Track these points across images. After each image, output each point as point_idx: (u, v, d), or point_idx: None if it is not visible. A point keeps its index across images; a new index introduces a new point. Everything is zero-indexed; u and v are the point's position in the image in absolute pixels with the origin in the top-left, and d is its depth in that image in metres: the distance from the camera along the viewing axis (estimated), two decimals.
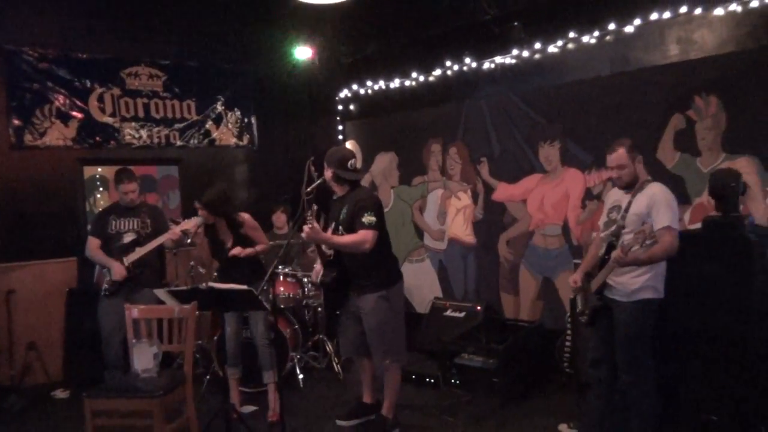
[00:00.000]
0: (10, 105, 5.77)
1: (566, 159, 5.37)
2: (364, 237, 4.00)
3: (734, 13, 4.39)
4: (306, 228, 3.91)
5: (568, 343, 4.93)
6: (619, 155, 3.72)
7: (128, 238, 4.98)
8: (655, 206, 3.58)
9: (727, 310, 3.80)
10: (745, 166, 4.35)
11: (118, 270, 4.83)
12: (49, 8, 5.93)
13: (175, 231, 4.82)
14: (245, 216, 4.76)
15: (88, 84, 6.20)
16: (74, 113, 6.11)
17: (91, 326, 5.13)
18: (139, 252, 4.89)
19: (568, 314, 4.91)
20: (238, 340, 4.80)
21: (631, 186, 3.75)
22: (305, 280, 5.69)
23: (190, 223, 4.78)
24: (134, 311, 4.06)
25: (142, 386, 3.73)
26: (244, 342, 4.85)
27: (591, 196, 5.22)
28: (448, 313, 5.99)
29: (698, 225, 4.23)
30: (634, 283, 3.66)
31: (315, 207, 3.95)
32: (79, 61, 6.15)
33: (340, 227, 4.15)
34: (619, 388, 3.81)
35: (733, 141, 4.45)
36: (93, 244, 5.00)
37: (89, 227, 5.38)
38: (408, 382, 5.31)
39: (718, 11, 4.44)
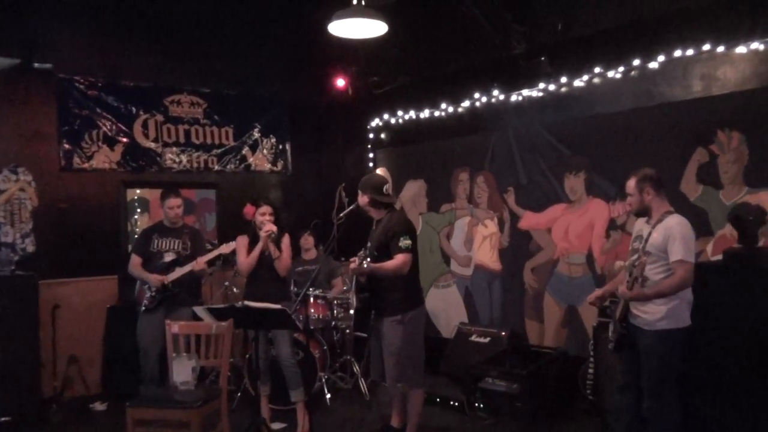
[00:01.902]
0: (61, 130, 6.12)
1: (591, 190, 5.50)
2: (403, 261, 4.13)
3: (756, 51, 4.52)
4: (352, 265, 4.06)
5: (591, 371, 5.00)
6: (627, 184, 3.95)
7: (168, 257, 5.23)
8: (670, 239, 3.69)
9: (748, 341, 3.88)
10: (767, 199, 4.44)
11: (155, 279, 5.11)
12: (100, 40, 6.29)
13: (199, 262, 5.12)
14: (287, 235, 5.05)
15: (134, 110, 6.54)
16: (120, 138, 6.44)
17: (129, 342, 5.36)
18: (178, 272, 5.14)
19: (592, 341, 5.01)
20: (267, 358, 4.97)
21: (641, 214, 3.93)
22: (335, 302, 5.87)
23: (228, 248, 5.07)
24: (174, 327, 4.27)
25: (180, 398, 3.93)
26: (273, 360, 5.01)
27: (615, 226, 5.33)
28: (473, 338, 6.09)
29: (720, 257, 4.33)
30: (657, 312, 3.74)
31: (369, 244, 4.12)
32: (126, 89, 6.50)
33: (375, 251, 4.28)
34: (642, 415, 3.88)
35: (755, 175, 4.55)
36: (135, 262, 5.27)
37: (132, 245, 5.62)
38: (433, 405, 5.43)
39: (741, 49, 4.58)
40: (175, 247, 5.26)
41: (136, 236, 6.05)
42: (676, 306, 3.72)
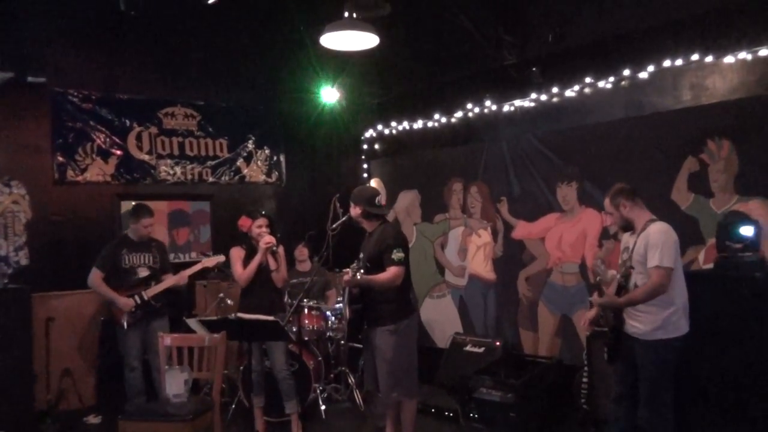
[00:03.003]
0: (55, 143, 6.14)
1: (583, 199, 5.53)
2: (396, 273, 4.14)
3: (744, 60, 4.56)
4: (346, 277, 4.06)
5: (585, 380, 5.01)
6: (605, 204, 4.03)
7: (143, 272, 5.24)
8: (648, 246, 3.74)
9: (740, 350, 3.89)
10: (757, 208, 4.46)
11: (125, 303, 5.07)
12: (94, 53, 6.33)
13: (183, 275, 5.18)
14: (281, 247, 5.07)
15: (128, 123, 6.56)
16: (114, 150, 6.46)
17: (122, 356, 5.35)
18: (157, 288, 5.18)
19: (586, 351, 5.02)
20: (261, 370, 4.97)
21: (626, 228, 3.98)
22: (328, 313, 5.87)
23: (212, 261, 5.10)
24: (167, 339, 4.27)
25: (172, 410, 3.93)
26: (267, 372, 5.01)
27: (607, 235, 5.35)
28: (468, 348, 6.10)
29: (711, 265, 4.35)
30: (653, 322, 3.75)
31: (361, 255, 4.15)
32: (120, 102, 6.52)
33: (368, 262, 4.31)
34: (636, 424, 3.88)
35: (745, 183, 4.57)
36: (98, 276, 5.15)
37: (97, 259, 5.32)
38: (428, 416, 5.43)
39: (729, 59, 4.61)
40: (147, 262, 5.27)
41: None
42: (672, 314, 3.73)
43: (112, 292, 5.12)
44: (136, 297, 5.11)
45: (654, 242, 3.72)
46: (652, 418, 3.78)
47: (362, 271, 4.02)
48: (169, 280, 5.14)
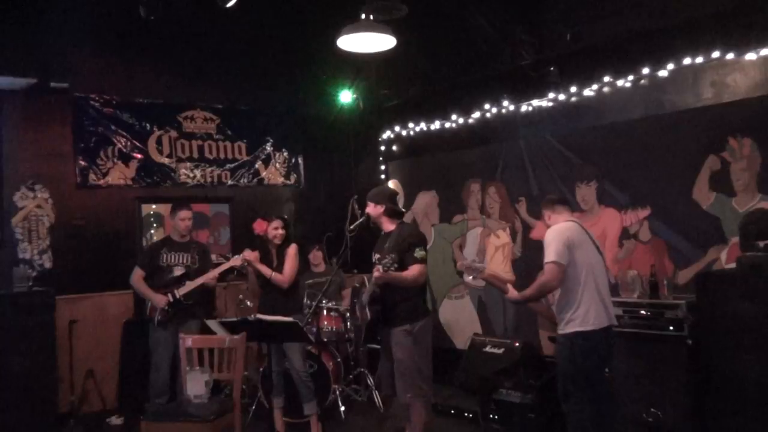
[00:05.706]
0: (77, 147, 6.23)
1: (603, 199, 5.48)
2: (420, 271, 4.14)
3: (766, 57, 4.50)
4: (377, 273, 4.02)
5: None
6: None
7: (178, 271, 5.28)
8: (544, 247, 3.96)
9: (764, 350, 3.83)
10: None
11: (159, 300, 5.14)
12: (115, 59, 6.41)
13: (214, 274, 5.22)
14: (294, 245, 5.09)
15: (148, 127, 6.64)
16: (134, 154, 6.54)
17: (145, 356, 5.41)
18: (189, 286, 5.20)
19: None
20: (281, 371, 4.99)
21: None
22: (348, 314, 5.88)
23: (238, 260, 5.13)
24: (188, 341, 4.30)
25: (194, 411, 3.96)
26: (287, 373, 5.03)
27: (627, 235, 5.30)
28: (487, 349, 6.04)
29: (734, 265, 4.29)
30: (564, 318, 3.92)
31: (377, 256, 4.16)
32: (140, 106, 6.60)
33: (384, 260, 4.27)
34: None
35: None
36: (138, 275, 5.28)
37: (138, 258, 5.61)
38: (447, 417, 5.44)
39: (750, 56, 4.56)
40: (185, 261, 5.32)
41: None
42: (574, 311, 3.86)
43: (148, 289, 5.21)
44: (169, 295, 5.17)
45: (545, 242, 3.94)
46: (569, 413, 3.91)
47: (396, 265, 4.00)
48: (200, 279, 5.19)
